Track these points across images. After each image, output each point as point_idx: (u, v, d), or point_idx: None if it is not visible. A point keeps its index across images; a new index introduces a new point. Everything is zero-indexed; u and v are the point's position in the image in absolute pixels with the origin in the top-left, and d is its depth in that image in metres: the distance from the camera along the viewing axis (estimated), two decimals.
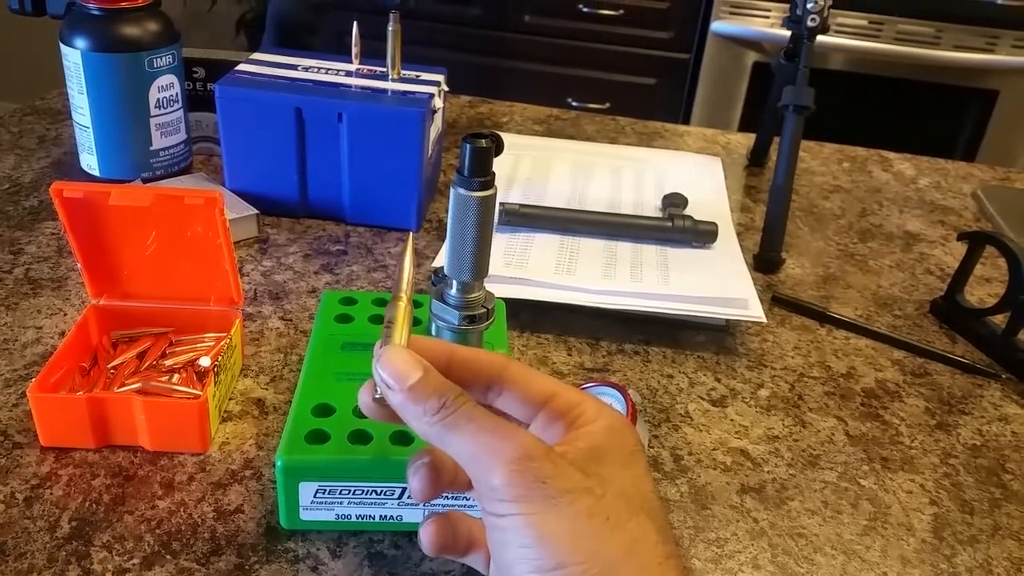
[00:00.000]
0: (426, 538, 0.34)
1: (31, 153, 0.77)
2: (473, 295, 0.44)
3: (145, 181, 0.69)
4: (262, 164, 0.69)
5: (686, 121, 1.98)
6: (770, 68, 0.80)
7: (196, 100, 0.75)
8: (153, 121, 0.68)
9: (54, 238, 0.65)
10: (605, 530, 0.28)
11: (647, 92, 1.99)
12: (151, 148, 0.69)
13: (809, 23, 0.68)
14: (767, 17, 1.81)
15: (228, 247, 0.48)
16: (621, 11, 1.90)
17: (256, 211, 0.67)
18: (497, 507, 0.28)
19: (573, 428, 0.31)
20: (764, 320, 0.58)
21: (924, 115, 1.88)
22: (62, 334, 0.55)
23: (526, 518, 0.28)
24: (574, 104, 2.00)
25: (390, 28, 0.69)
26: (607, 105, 2.00)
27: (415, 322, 0.50)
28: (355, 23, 0.70)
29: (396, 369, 0.31)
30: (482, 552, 0.34)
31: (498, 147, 0.42)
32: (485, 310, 0.44)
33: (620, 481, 0.29)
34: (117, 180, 0.70)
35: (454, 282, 0.44)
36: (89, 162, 0.70)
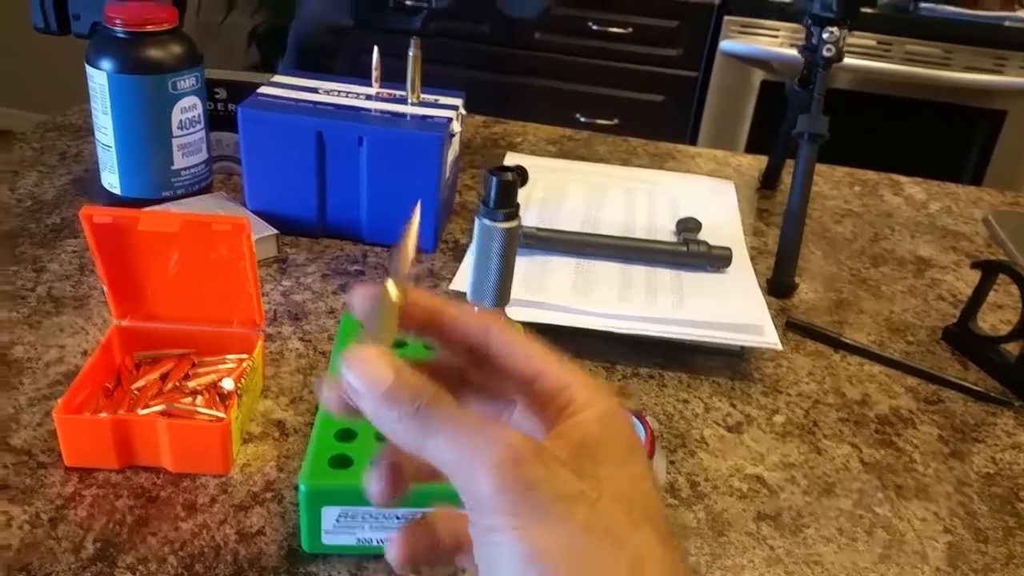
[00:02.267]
0: (392, 551, 0.30)
1: (52, 170, 0.78)
2: None
3: (166, 200, 0.70)
4: (282, 185, 0.69)
5: (694, 138, 1.99)
6: (783, 92, 0.81)
7: (218, 120, 0.76)
8: (175, 141, 0.69)
9: (76, 256, 0.66)
10: (606, 548, 0.25)
11: (655, 109, 2.00)
12: (173, 168, 0.70)
13: (825, 52, 0.69)
14: (776, 36, 1.82)
15: (253, 271, 0.49)
16: (630, 29, 1.92)
17: (276, 231, 0.67)
18: (484, 519, 0.25)
19: (562, 418, 0.28)
20: (780, 347, 0.59)
21: (932, 135, 1.89)
22: (84, 353, 0.55)
23: (516, 532, 0.24)
24: (583, 120, 2.02)
25: (411, 54, 0.70)
26: (615, 121, 2.01)
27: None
28: (375, 49, 0.71)
29: (366, 372, 0.26)
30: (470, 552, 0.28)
31: (523, 179, 0.43)
32: None
33: (618, 482, 0.26)
34: (138, 199, 0.70)
35: (475, 306, 0.45)
36: (111, 180, 0.71)
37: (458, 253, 0.72)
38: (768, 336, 0.58)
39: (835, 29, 0.69)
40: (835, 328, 0.67)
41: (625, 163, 0.94)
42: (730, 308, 0.61)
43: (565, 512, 0.24)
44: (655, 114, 2.00)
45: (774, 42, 1.83)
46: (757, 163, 0.97)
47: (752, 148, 1.97)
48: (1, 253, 0.65)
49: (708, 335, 0.58)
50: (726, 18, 1.83)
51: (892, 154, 1.64)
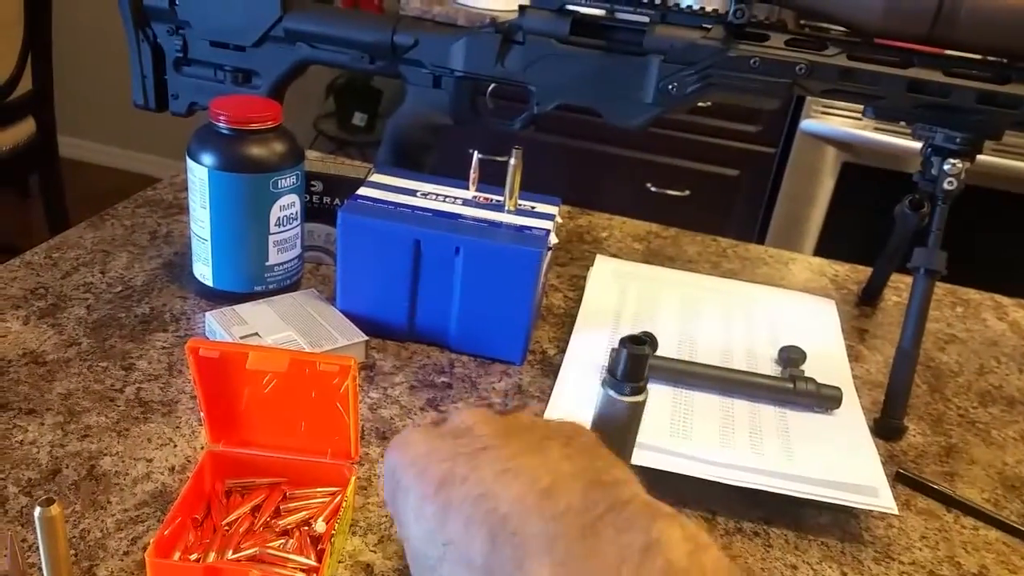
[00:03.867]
0: None
1: (143, 251, 0.78)
2: None
3: (257, 296, 0.69)
4: (375, 288, 0.68)
5: (768, 214, 1.95)
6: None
7: (312, 212, 0.75)
8: (272, 238, 0.69)
9: (165, 353, 0.65)
10: None
11: (729, 183, 1.97)
12: (267, 263, 0.70)
13: (946, 185, 0.66)
14: (859, 119, 1.78)
15: (355, 409, 0.47)
16: (710, 103, 1.89)
17: (366, 338, 0.66)
18: None
19: None
20: (896, 512, 0.55)
21: (1019, 228, 1.82)
22: (172, 470, 0.54)
23: None
24: (653, 189, 1.99)
25: (511, 162, 0.69)
26: (687, 193, 1.99)
27: None
28: (475, 154, 0.70)
29: None
30: None
31: (654, 348, 0.40)
32: None
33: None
34: (230, 292, 0.70)
35: None
36: (203, 272, 0.70)
37: (546, 366, 0.70)
38: (884, 500, 0.54)
39: (958, 161, 0.66)
40: (946, 480, 0.63)
41: (715, 266, 0.91)
42: (843, 463, 0.57)
43: None
44: (729, 188, 1.97)
45: (857, 124, 1.79)
46: (855, 274, 0.93)
47: (828, 230, 1.92)
48: (92, 345, 0.65)
49: (820, 493, 0.55)
50: (809, 97, 1.80)
51: (974, 249, 1.58)
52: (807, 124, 1.82)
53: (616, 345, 0.67)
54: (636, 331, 0.72)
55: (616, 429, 0.40)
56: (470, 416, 0.36)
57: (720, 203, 2.00)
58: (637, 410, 0.40)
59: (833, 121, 1.81)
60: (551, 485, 0.30)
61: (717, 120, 1.90)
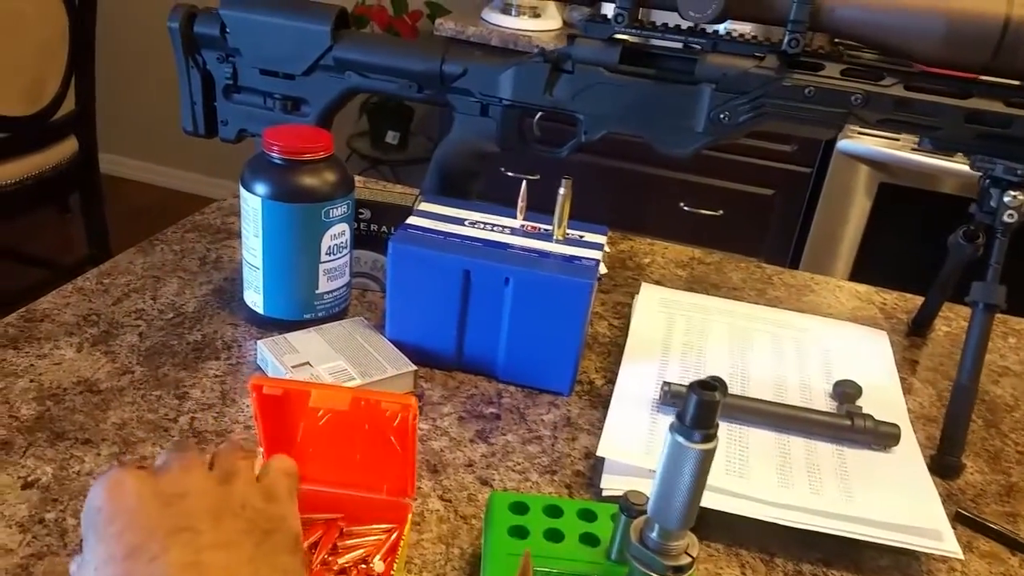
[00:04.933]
0: None
1: (193, 277, 0.79)
2: (677, 542, 0.42)
3: (307, 324, 0.69)
4: (424, 317, 0.68)
5: (803, 235, 1.93)
6: (947, 245, 0.76)
7: (359, 239, 0.76)
8: (322, 267, 0.69)
9: (217, 381, 0.65)
10: None
11: (764, 202, 1.95)
12: (317, 292, 0.70)
13: (1006, 218, 0.65)
14: (897, 139, 1.76)
15: (412, 448, 0.47)
16: None
17: (415, 367, 0.66)
18: None
19: None
20: (961, 557, 0.54)
21: None
22: None
23: None
24: (686, 209, 1.98)
25: (561, 192, 0.68)
26: (720, 212, 1.97)
27: (593, 541, 0.48)
28: (524, 183, 0.70)
29: None
30: None
31: (724, 393, 0.40)
32: (690, 559, 0.42)
33: None
34: (280, 319, 0.70)
35: (656, 524, 0.42)
36: (254, 300, 0.71)
37: (593, 397, 0.69)
38: (947, 543, 0.53)
39: (1019, 194, 0.65)
40: (1008, 521, 0.61)
41: (761, 293, 0.90)
42: (904, 505, 0.56)
43: None
44: (763, 208, 1.96)
45: (894, 144, 1.77)
46: (903, 302, 0.92)
47: (864, 251, 1.90)
48: (146, 374, 0.65)
49: (882, 536, 0.54)
50: None
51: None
52: (843, 144, 1.80)
53: (666, 378, 0.67)
54: (686, 362, 0.71)
55: (685, 477, 0.40)
56: (192, 480, 0.37)
57: (754, 223, 1.98)
58: (708, 457, 0.39)
59: (869, 141, 1.79)
60: None
61: (752, 140, 1.88)
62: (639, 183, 2.00)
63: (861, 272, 1.88)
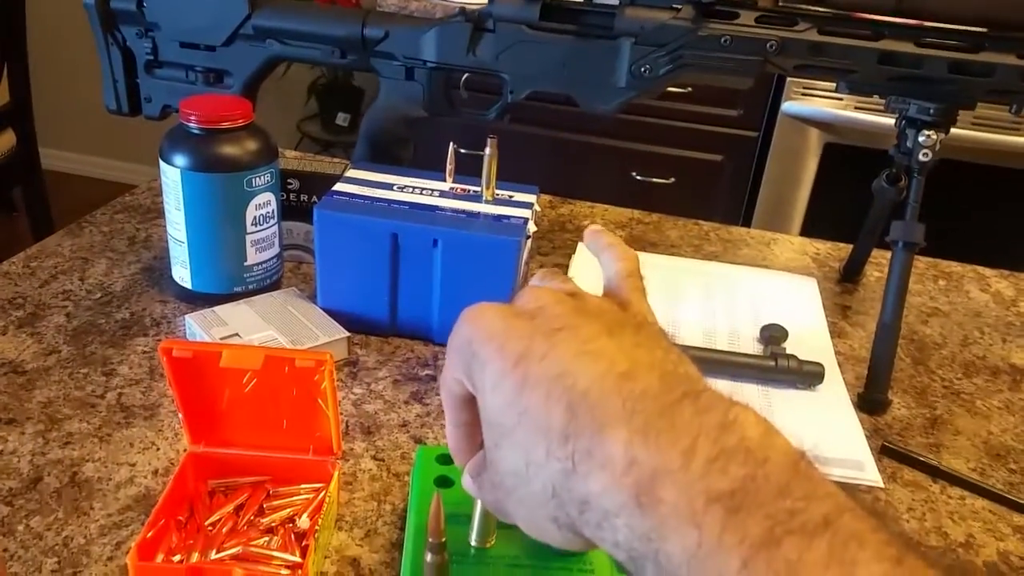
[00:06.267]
0: None
1: (122, 257, 0.78)
2: None
3: (237, 296, 0.69)
4: (355, 284, 0.68)
5: (753, 197, 1.96)
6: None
7: (289, 210, 0.75)
8: (249, 238, 0.68)
9: (146, 357, 0.65)
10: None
11: (713, 168, 1.97)
12: (245, 263, 0.69)
13: (921, 157, 0.66)
14: (840, 100, 1.78)
15: (334, 404, 0.47)
16: (689, 88, 1.89)
17: (347, 334, 0.66)
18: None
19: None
20: (882, 485, 0.55)
21: (1001, 203, 1.83)
22: (155, 473, 0.54)
23: None
24: (638, 178, 1.99)
25: (487, 152, 0.68)
26: (672, 180, 1.98)
27: None
28: (451, 145, 0.70)
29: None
30: None
31: None
32: None
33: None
34: (210, 294, 0.69)
35: None
36: (182, 275, 0.70)
37: None
38: (869, 472, 0.55)
39: (932, 133, 0.66)
40: (931, 451, 0.63)
41: (697, 249, 0.91)
42: (827, 439, 0.57)
43: None
44: (713, 174, 1.97)
45: (838, 104, 1.79)
46: (836, 251, 0.93)
47: (813, 211, 1.92)
48: (72, 353, 0.64)
49: None
50: (789, 79, 1.80)
51: (963, 225, 1.59)
52: (788, 106, 1.82)
53: None
54: None
55: None
56: (543, 295, 0.36)
57: (705, 189, 2.00)
58: None
59: (814, 102, 1.81)
60: (629, 370, 0.31)
61: (698, 106, 1.90)
62: (589, 154, 2.00)
63: (812, 232, 1.89)
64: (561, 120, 1.93)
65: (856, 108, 1.79)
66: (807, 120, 1.83)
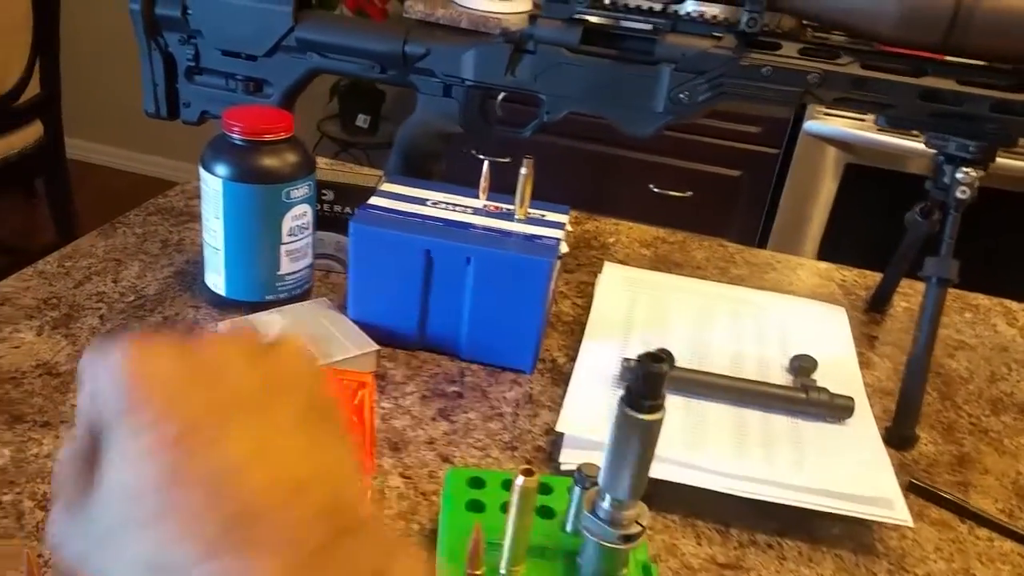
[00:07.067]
0: None
1: (155, 260, 0.78)
2: (628, 511, 0.42)
3: (269, 305, 0.69)
4: (386, 297, 0.68)
5: (771, 214, 1.95)
6: (903, 222, 0.78)
7: (322, 221, 0.75)
8: (284, 248, 0.69)
9: None
10: None
11: (732, 184, 1.97)
12: (279, 273, 0.70)
13: (959, 194, 0.66)
14: (862, 120, 1.78)
15: (371, 424, 0.47)
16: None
17: (376, 347, 0.66)
18: None
19: None
20: (911, 524, 0.55)
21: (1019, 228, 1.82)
22: None
23: None
24: (655, 191, 1.99)
25: (523, 172, 0.69)
26: (689, 194, 1.99)
27: (549, 513, 0.48)
28: (485, 163, 0.70)
29: None
30: None
31: (671, 365, 0.40)
32: (640, 528, 0.43)
33: None
34: (242, 301, 0.70)
35: (607, 495, 0.42)
36: (215, 281, 0.70)
37: (556, 375, 0.70)
38: (898, 511, 0.55)
39: (971, 170, 0.66)
40: (959, 490, 0.63)
41: (723, 271, 0.91)
42: (856, 475, 0.57)
43: None
44: (731, 189, 1.97)
45: (860, 125, 1.79)
46: (862, 279, 0.93)
47: (831, 231, 1.92)
48: None
49: (834, 506, 0.55)
50: None
51: (978, 248, 1.58)
52: (810, 125, 1.82)
53: (627, 355, 0.68)
54: (647, 339, 0.72)
55: (633, 448, 0.40)
56: (231, 355, 0.29)
57: (723, 204, 2.00)
58: (655, 428, 0.40)
59: (836, 122, 1.81)
60: (306, 480, 0.27)
61: (719, 121, 1.90)
62: (607, 165, 2.01)
63: (828, 252, 1.90)
64: (580, 131, 1.93)
65: (879, 130, 1.79)
66: (829, 139, 1.83)
